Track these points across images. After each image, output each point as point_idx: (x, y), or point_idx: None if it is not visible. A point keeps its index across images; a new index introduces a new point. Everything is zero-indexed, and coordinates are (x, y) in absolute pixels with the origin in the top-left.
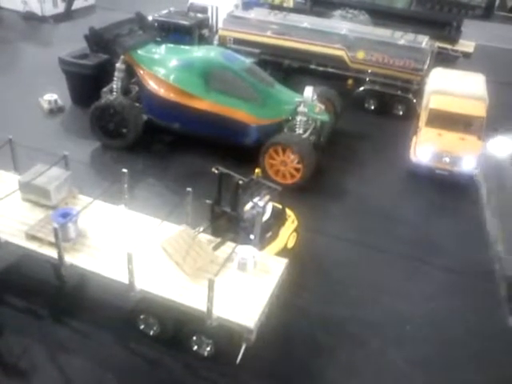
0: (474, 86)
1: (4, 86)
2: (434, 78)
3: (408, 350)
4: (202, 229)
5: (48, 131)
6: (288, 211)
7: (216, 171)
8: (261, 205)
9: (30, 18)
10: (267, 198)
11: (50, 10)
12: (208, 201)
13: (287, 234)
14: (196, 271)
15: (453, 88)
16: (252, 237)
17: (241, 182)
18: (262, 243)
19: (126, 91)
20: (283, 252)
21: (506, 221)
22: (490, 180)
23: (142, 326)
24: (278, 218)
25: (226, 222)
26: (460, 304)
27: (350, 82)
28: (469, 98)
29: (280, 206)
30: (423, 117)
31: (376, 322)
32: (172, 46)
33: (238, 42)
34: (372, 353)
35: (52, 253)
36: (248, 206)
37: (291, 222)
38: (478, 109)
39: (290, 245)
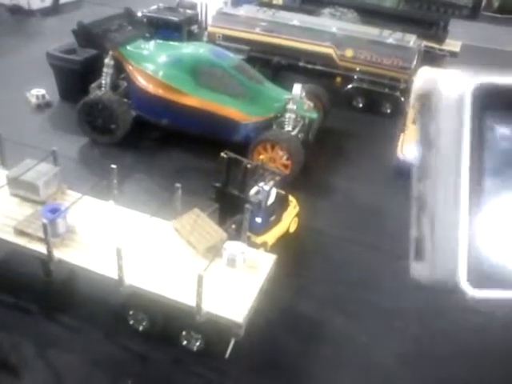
0: None
1: None
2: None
3: (396, 347)
4: (211, 210)
5: (36, 126)
6: (290, 197)
7: (225, 156)
8: (266, 189)
9: (16, 11)
10: (272, 183)
11: (37, 3)
12: (217, 184)
13: (289, 219)
14: (208, 249)
15: None
16: (258, 219)
17: (249, 166)
18: (267, 226)
19: (114, 87)
20: (285, 235)
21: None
22: None
23: (131, 322)
24: (281, 203)
25: (234, 205)
26: (449, 302)
27: (338, 79)
28: None
29: (283, 192)
30: (410, 115)
31: (364, 318)
32: (161, 41)
33: (227, 38)
34: (359, 349)
35: (41, 248)
36: (253, 191)
37: (293, 207)
38: None
39: (292, 229)
